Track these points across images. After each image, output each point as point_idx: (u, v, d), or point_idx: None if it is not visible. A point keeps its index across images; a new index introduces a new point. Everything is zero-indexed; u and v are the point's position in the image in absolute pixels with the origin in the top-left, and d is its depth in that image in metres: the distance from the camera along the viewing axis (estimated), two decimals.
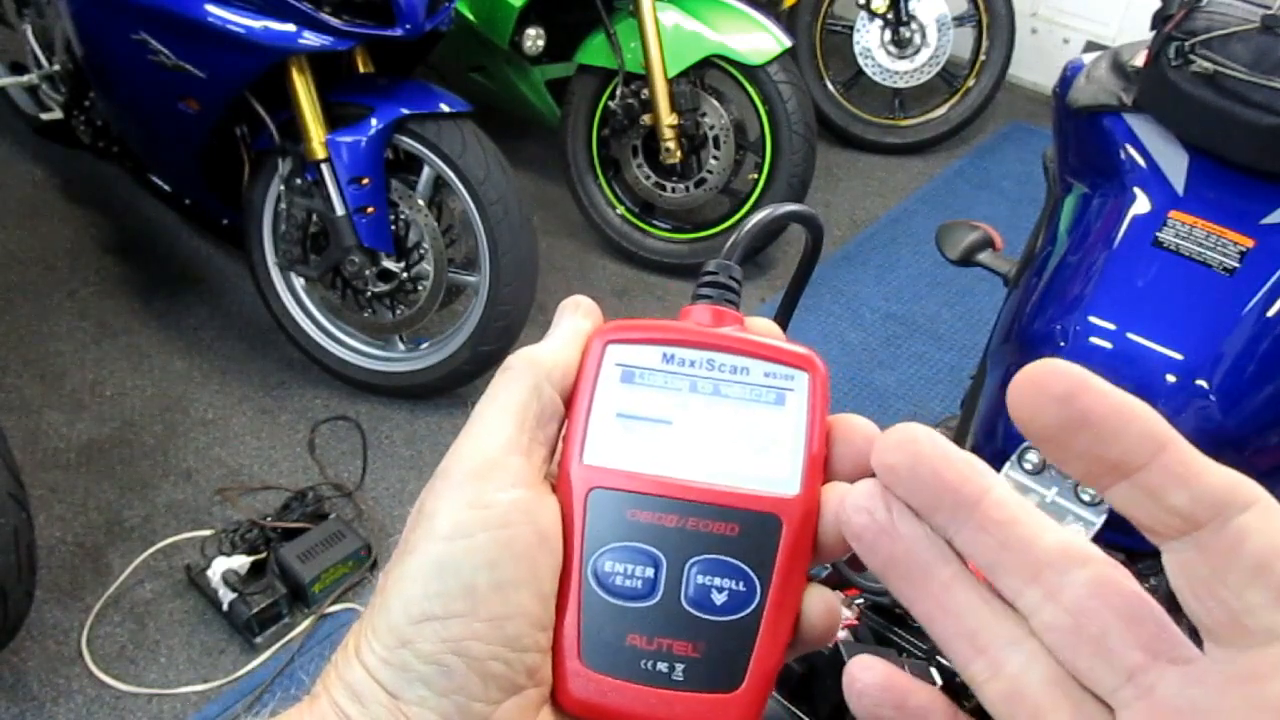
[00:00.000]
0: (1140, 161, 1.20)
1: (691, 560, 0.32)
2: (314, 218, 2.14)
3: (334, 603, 1.87)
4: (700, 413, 0.33)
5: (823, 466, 0.32)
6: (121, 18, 1.96)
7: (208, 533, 1.97)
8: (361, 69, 2.09)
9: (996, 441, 1.19)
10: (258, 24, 1.86)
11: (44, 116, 2.64)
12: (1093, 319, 1.14)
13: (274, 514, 1.98)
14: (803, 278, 0.45)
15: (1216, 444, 1.06)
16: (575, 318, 0.35)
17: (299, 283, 2.28)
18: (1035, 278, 1.26)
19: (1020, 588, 0.25)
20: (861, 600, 1.10)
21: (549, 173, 3.02)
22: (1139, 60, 1.24)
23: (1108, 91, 1.25)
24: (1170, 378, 1.08)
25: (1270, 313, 1.09)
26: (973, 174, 3.33)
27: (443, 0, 1.96)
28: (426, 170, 2.08)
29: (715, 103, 2.59)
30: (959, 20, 3.27)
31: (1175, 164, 1.18)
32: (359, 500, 2.09)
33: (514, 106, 2.91)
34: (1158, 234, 1.14)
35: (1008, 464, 1.08)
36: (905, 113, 3.39)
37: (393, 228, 2.11)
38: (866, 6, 3.21)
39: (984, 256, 1.52)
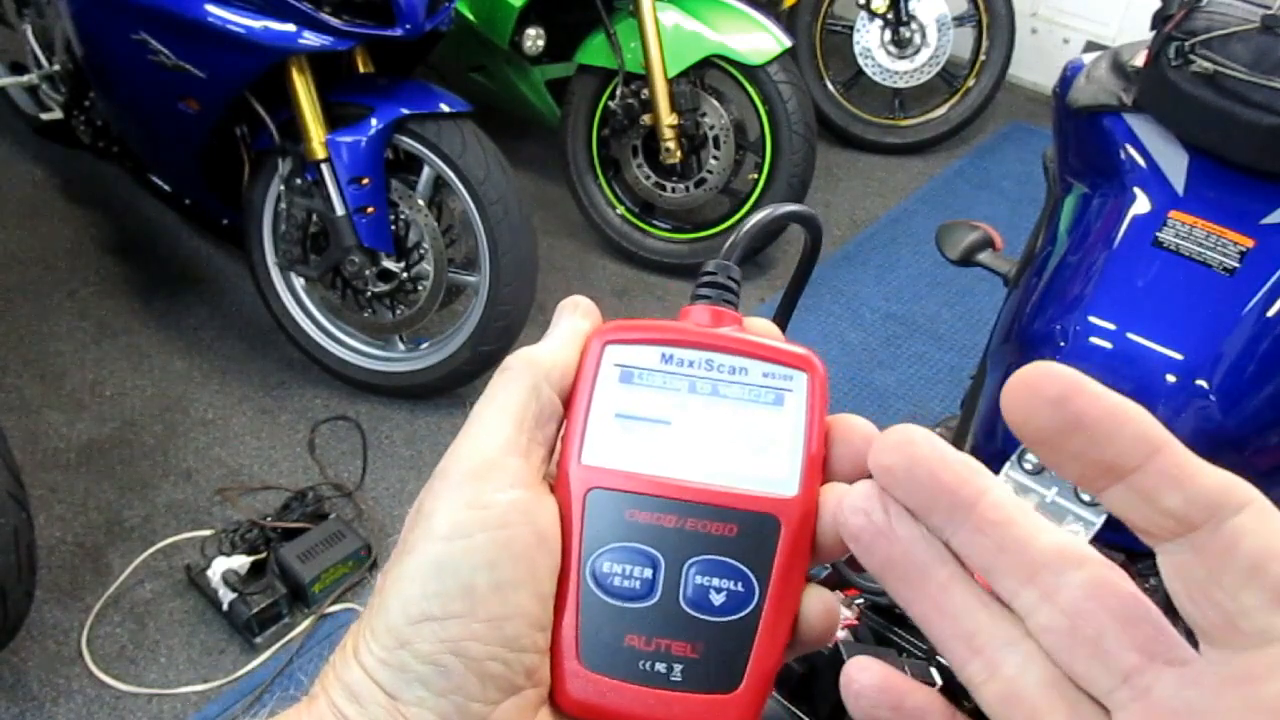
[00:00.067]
0: (1140, 161, 1.20)
1: (690, 561, 0.32)
2: (314, 218, 2.14)
3: (334, 603, 1.87)
4: (699, 413, 0.33)
5: (821, 467, 0.32)
6: (121, 18, 1.97)
7: (208, 533, 1.97)
8: (361, 69, 2.09)
9: (996, 442, 1.19)
10: (258, 24, 1.86)
11: (44, 116, 2.64)
12: (1093, 319, 1.14)
13: (274, 514, 1.98)
14: (802, 278, 0.45)
15: (1216, 444, 1.06)
16: (574, 318, 0.35)
17: (299, 283, 2.28)
18: (1035, 278, 1.26)
19: (1017, 589, 0.25)
20: (861, 600, 1.10)
21: (549, 173, 3.02)
22: (1139, 60, 1.24)
23: (1108, 91, 1.25)
24: (1170, 378, 1.08)
25: (1270, 313, 1.09)
26: (973, 174, 3.33)
27: (443, 0, 1.96)
28: (426, 170, 2.08)
29: (715, 103, 2.59)
30: (959, 20, 3.27)
31: (1175, 164, 1.18)
32: (359, 500, 2.09)
33: (514, 106, 2.91)
34: (1158, 234, 1.14)
35: (1008, 464, 1.08)
36: (905, 113, 3.39)
37: (393, 228, 2.11)
38: (866, 6, 3.21)
39: (984, 256, 1.52)
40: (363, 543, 1.91)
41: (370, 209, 2.05)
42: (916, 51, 3.26)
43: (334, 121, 2.01)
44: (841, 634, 1.06)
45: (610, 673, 0.31)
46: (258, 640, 1.80)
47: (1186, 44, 1.15)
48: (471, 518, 0.31)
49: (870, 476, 0.28)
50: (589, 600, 0.32)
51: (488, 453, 0.32)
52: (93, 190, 2.87)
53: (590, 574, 0.32)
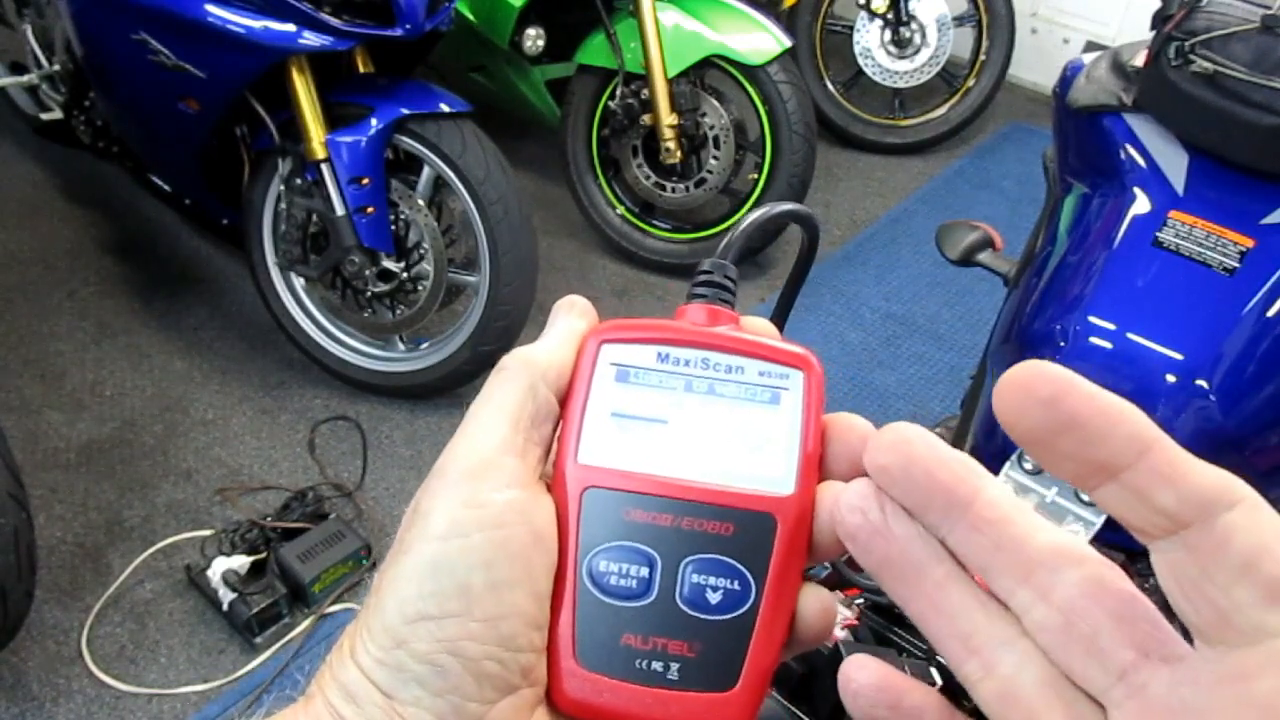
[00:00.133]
0: (1140, 161, 1.20)
1: (686, 559, 0.31)
2: (314, 218, 2.14)
3: (334, 603, 1.87)
4: (695, 412, 0.33)
5: (818, 465, 0.32)
6: (121, 18, 1.97)
7: (208, 533, 1.97)
8: (361, 69, 2.09)
9: (996, 442, 1.19)
10: (258, 24, 1.86)
11: (44, 116, 2.64)
12: (1093, 319, 1.14)
13: (274, 514, 1.98)
14: (799, 277, 0.45)
15: (1216, 444, 1.06)
16: (570, 317, 0.35)
17: (299, 283, 2.28)
18: (1035, 278, 1.26)
19: (1013, 587, 0.25)
20: (861, 600, 1.10)
21: (549, 173, 3.02)
22: (1139, 60, 1.24)
23: (1108, 91, 1.24)
24: (1170, 378, 1.08)
25: (1270, 313, 1.09)
26: (973, 174, 3.33)
27: (443, 0, 1.96)
28: (426, 170, 2.08)
29: (715, 103, 2.59)
30: (959, 20, 3.27)
31: (1175, 164, 1.18)
32: (359, 500, 2.09)
33: (514, 106, 2.91)
34: (1158, 234, 1.14)
35: (1008, 464, 1.08)
36: (905, 113, 3.39)
37: (393, 228, 2.11)
38: (866, 6, 3.21)
39: (984, 256, 1.52)
40: (362, 543, 1.91)
41: (370, 209, 2.05)
42: (916, 51, 3.26)
43: (334, 121, 2.01)
44: (841, 634, 1.06)
45: (607, 672, 0.31)
46: (258, 640, 1.80)
47: (1186, 44, 1.15)
48: (468, 517, 0.31)
49: (866, 475, 0.28)
50: (586, 599, 0.32)
51: (484, 452, 0.32)
52: (93, 190, 2.87)
53: (587, 573, 0.32)
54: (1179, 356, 1.08)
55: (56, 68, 2.53)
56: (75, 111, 2.49)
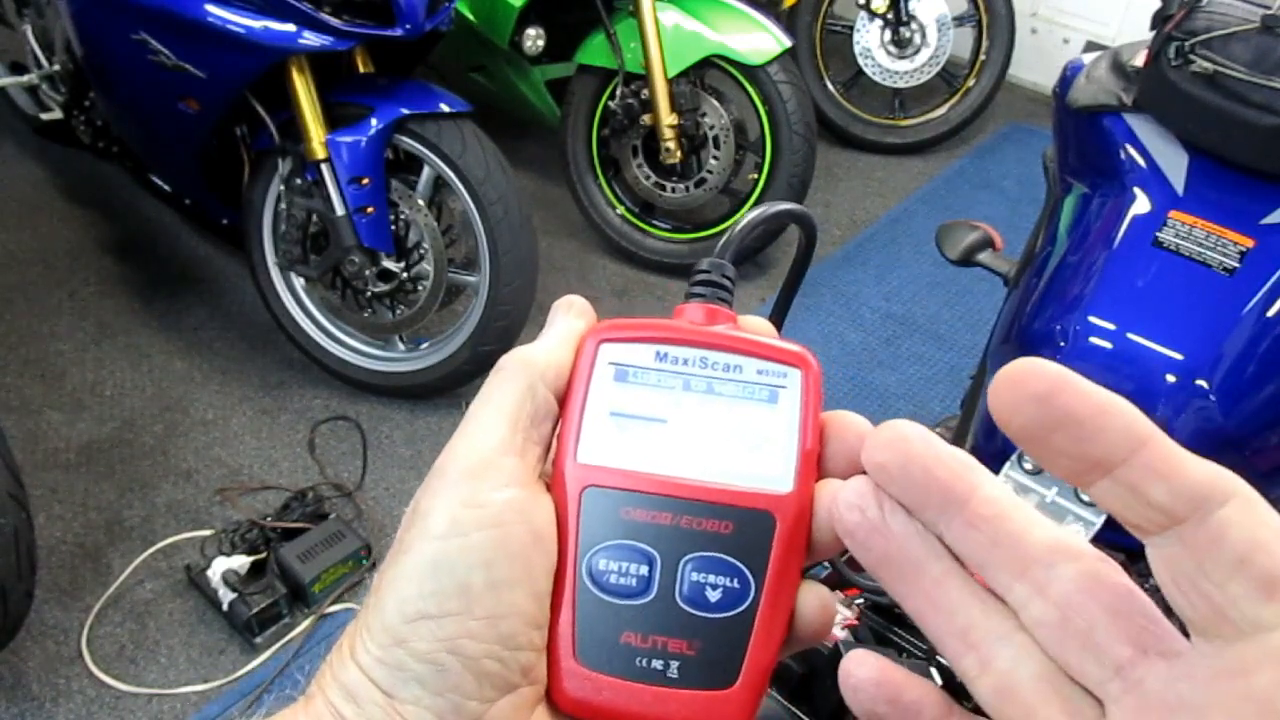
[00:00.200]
0: (1140, 161, 1.20)
1: (686, 558, 0.32)
2: (314, 218, 2.14)
3: (334, 603, 1.87)
4: (694, 411, 0.33)
5: (816, 463, 0.32)
6: (121, 18, 1.97)
7: (208, 533, 1.97)
8: (361, 69, 2.09)
9: (996, 441, 1.19)
10: (258, 24, 1.86)
11: (44, 116, 2.64)
12: (1093, 319, 1.14)
13: (274, 514, 1.98)
14: (797, 276, 0.45)
15: (1216, 444, 1.06)
16: (568, 317, 0.35)
17: (299, 283, 2.28)
18: (1035, 278, 1.26)
19: (1010, 583, 0.25)
20: (862, 600, 1.10)
21: (549, 173, 3.02)
22: (1139, 60, 1.24)
23: (1108, 91, 1.24)
24: (1170, 378, 1.08)
25: (1270, 313, 1.09)
26: (973, 174, 3.33)
27: (443, 0, 1.96)
28: (426, 170, 2.08)
29: (715, 103, 2.59)
30: (959, 20, 3.27)
31: (1175, 164, 1.18)
32: (359, 500, 2.09)
33: (514, 106, 2.91)
34: (1158, 234, 1.14)
35: (1008, 463, 1.08)
36: (905, 113, 3.39)
37: (393, 228, 2.11)
38: (866, 6, 3.21)
39: (984, 256, 1.52)
40: (363, 543, 1.91)
41: (370, 209, 2.05)
42: (916, 51, 3.26)
43: (334, 121, 2.01)
44: (842, 634, 1.06)
45: (607, 670, 0.31)
46: (258, 640, 1.80)
47: (1186, 44, 1.15)
48: (467, 516, 0.31)
49: (865, 472, 0.28)
50: (585, 598, 0.32)
51: (483, 452, 0.32)
52: (93, 190, 2.87)
53: (586, 572, 0.32)
54: (1179, 356, 1.08)
55: (56, 68, 2.53)
56: (75, 111, 2.49)
